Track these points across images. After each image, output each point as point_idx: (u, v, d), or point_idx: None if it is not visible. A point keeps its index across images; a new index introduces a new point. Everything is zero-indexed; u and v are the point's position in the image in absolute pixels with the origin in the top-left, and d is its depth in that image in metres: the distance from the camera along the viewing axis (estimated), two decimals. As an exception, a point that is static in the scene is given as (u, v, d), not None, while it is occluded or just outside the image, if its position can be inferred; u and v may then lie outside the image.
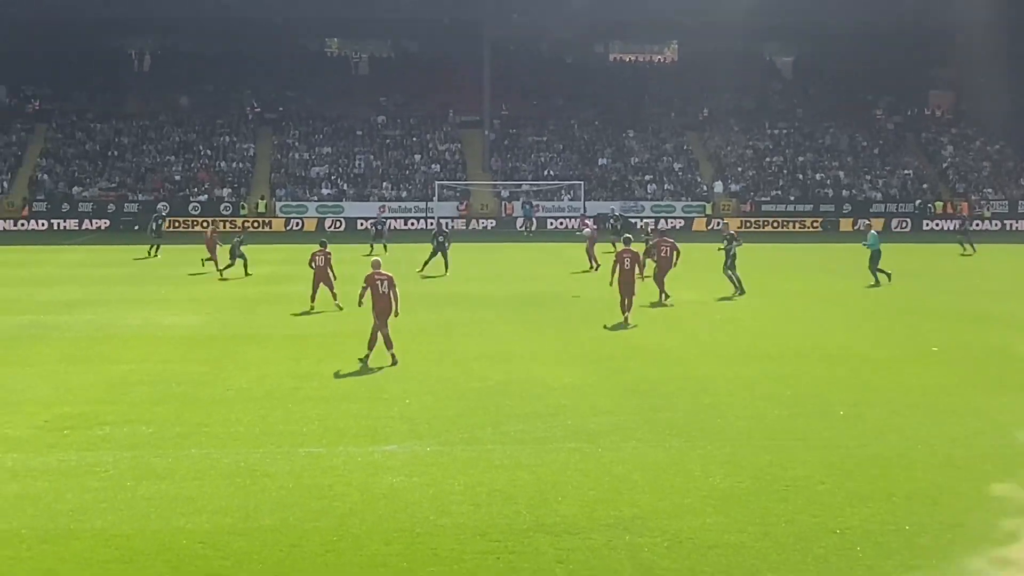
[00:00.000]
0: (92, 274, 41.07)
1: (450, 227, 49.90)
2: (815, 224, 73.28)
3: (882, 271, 36.78)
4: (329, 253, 30.44)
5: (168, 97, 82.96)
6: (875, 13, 75.79)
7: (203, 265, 40.59)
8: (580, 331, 26.23)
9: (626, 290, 27.41)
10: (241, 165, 78.30)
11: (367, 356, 21.42)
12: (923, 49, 79.65)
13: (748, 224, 71.81)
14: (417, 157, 79.71)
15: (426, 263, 39.65)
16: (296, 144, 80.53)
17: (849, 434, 16.06)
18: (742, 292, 33.07)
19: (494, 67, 77.66)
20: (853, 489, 13.36)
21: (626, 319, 27.13)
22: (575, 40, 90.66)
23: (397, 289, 21.66)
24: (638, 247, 30.47)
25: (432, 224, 55.88)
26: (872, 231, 39.54)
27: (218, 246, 39.80)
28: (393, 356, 21.43)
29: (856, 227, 66.17)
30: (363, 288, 21.71)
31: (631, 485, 13.53)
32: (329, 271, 30.14)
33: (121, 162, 76.86)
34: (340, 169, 77.96)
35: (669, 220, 70.34)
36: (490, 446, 15.38)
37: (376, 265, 22.02)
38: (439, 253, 39.83)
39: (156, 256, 47.89)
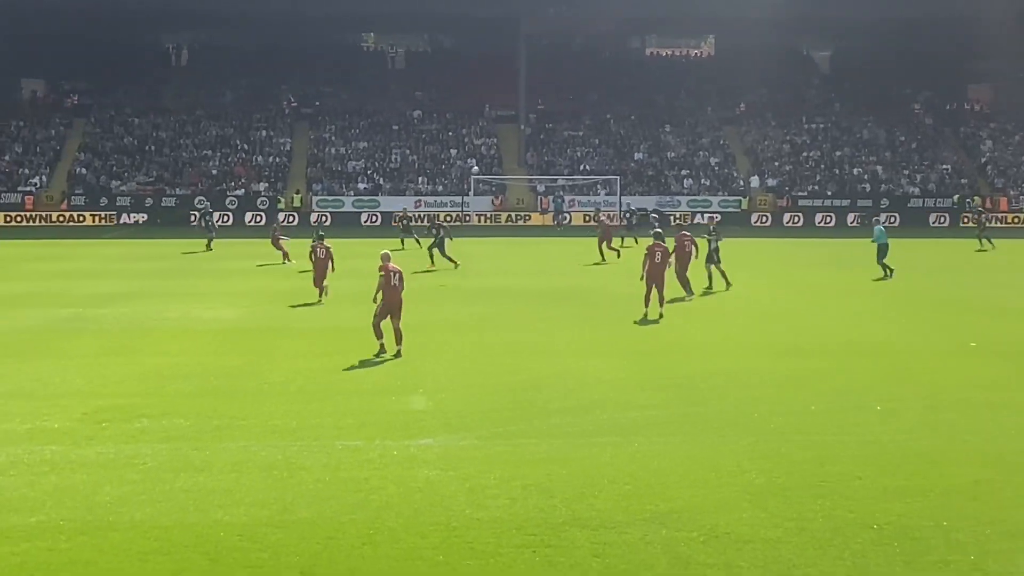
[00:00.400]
0: (130, 268, 41.43)
1: (443, 221, 50.61)
2: (858, 220, 72.75)
3: (886, 266, 36.47)
4: (329, 247, 30.86)
5: (205, 92, 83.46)
6: (912, 7, 75.02)
7: (285, 263, 41.17)
8: (611, 325, 26.20)
9: (657, 283, 27.37)
10: (278, 159, 78.68)
11: (398, 350, 21.62)
12: (961, 43, 78.89)
13: (796, 220, 72.01)
14: (453, 152, 79.83)
15: (448, 258, 40.03)
16: (332, 139, 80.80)
17: (885, 429, 15.95)
18: (710, 288, 32.75)
19: (530, 62, 77.62)
20: (890, 484, 13.26)
21: (649, 313, 27.10)
22: (611, 34, 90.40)
23: (403, 284, 22.05)
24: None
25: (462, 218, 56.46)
26: (878, 226, 39.25)
27: (281, 239, 42.01)
28: (383, 347, 21.73)
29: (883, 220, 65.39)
30: (380, 278, 21.71)
31: (667, 479, 13.49)
32: (330, 263, 30.61)
33: (159, 156, 77.45)
34: (376, 163, 78.17)
35: (706, 215, 70.18)
36: (525, 440, 15.39)
37: (386, 258, 22.06)
38: (440, 244, 40.51)
39: (210, 250, 48.55)
